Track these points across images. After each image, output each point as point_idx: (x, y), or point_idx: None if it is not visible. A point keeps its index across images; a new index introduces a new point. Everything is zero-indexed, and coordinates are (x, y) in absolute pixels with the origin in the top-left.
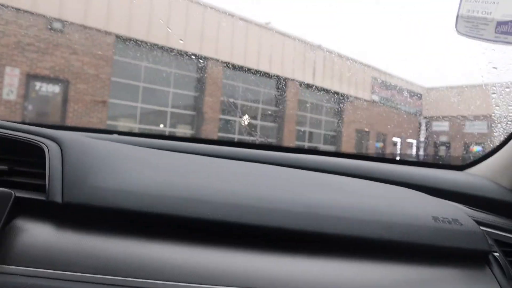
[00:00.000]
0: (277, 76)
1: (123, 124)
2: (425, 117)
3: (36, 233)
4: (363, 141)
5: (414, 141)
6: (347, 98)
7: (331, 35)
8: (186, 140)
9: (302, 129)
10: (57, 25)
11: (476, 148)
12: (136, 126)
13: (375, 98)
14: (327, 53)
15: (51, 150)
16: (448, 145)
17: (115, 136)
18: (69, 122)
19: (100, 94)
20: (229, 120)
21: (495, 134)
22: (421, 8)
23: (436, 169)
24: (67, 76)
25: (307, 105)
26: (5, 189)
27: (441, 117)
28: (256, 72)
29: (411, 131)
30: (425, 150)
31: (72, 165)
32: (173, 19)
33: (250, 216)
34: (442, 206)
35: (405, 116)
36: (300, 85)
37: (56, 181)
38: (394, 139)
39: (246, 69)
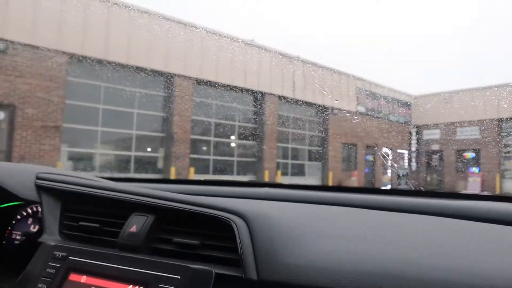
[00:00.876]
0: (254, 90)
1: (82, 151)
2: (415, 126)
3: None
4: (350, 155)
5: (405, 152)
6: (332, 110)
7: (311, 47)
8: (337, 189)
9: (284, 145)
10: None
11: (469, 155)
12: (97, 152)
13: (361, 109)
14: (307, 65)
15: (239, 227)
16: (440, 153)
17: (268, 190)
18: (17, 151)
19: (53, 119)
20: (202, 140)
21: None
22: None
23: None
24: (13, 100)
25: (289, 120)
26: (206, 268)
27: (431, 125)
28: (231, 87)
29: (401, 141)
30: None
31: (261, 241)
32: (135, 35)
33: None
34: None
35: (394, 126)
36: (280, 99)
37: (249, 258)
38: (385, 150)
39: (219, 85)
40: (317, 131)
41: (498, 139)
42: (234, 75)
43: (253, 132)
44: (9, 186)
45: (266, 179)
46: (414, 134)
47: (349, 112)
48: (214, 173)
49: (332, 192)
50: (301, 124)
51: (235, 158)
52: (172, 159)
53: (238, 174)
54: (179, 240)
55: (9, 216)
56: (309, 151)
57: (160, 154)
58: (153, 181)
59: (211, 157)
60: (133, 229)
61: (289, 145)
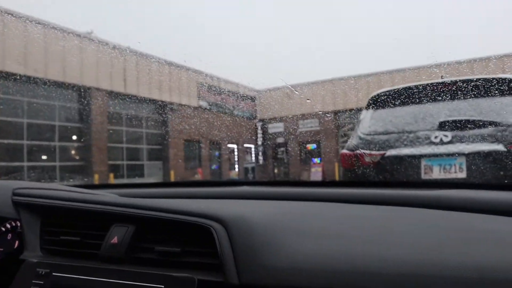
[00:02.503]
0: (76, 85)
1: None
2: (260, 120)
3: None
4: (194, 152)
5: (252, 146)
6: (171, 106)
7: (147, 39)
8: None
9: (117, 145)
10: None
11: (311, 146)
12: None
13: (203, 104)
14: (141, 57)
15: (218, 232)
16: (285, 145)
17: (245, 188)
18: None
19: None
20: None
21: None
22: (249, 10)
23: None
24: None
25: (121, 117)
26: (188, 275)
27: (276, 118)
28: (46, 82)
29: (247, 135)
30: (264, 153)
31: (240, 245)
32: None
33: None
34: None
35: (239, 120)
36: (109, 95)
37: (230, 263)
38: (230, 146)
39: (32, 80)
40: (156, 129)
41: (335, 130)
42: (49, 67)
43: (79, 132)
44: None
45: (96, 183)
46: (259, 128)
47: (190, 107)
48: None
49: (311, 187)
50: (136, 122)
51: (57, 163)
52: None
53: (61, 180)
54: (161, 248)
55: None
56: (148, 150)
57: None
58: (133, 186)
59: (25, 164)
60: (114, 240)
61: (124, 145)
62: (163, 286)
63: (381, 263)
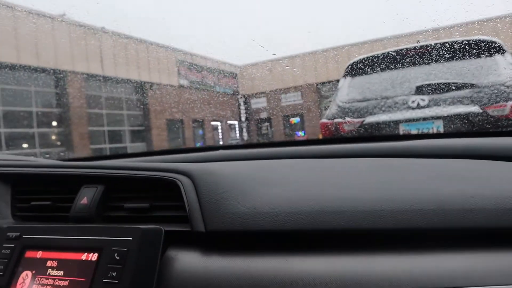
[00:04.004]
0: (50, 69)
1: None
2: (242, 96)
3: (186, 261)
4: (177, 131)
5: (235, 122)
6: (150, 86)
7: (121, 18)
8: (276, 145)
9: (98, 129)
10: None
11: (295, 120)
12: None
13: (184, 82)
14: (116, 37)
15: (185, 185)
16: (269, 120)
17: (221, 152)
18: None
19: None
20: None
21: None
22: None
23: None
24: None
25: (100, 100)
26: (156, 226)
27: (258, 93)
28: (16, 67)
29: (230, 112)
30: (249, 128)
31: (206, 195)
32: None
33: (385, 220)
34: None
35: (221, 97)
36: (87, 77)
37: (196, 212)
38: (214, 123)
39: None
40: (138, 110)
41: (318, 103)
42: (22, 51)
43: (58, 118)
44: None
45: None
46: (242, 104)
47: (171, 86)
48: None
49: (284, 146)
50: (117, 104)
51: (37, 150)
52: None
53: None
54: (129, 205)
55: None
56: (130, 132)
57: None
58: (105, 158)
59: (5, 152)
60: (84, 201)
61: (105, 128)
62: (130, 238)
63: (341, 201)
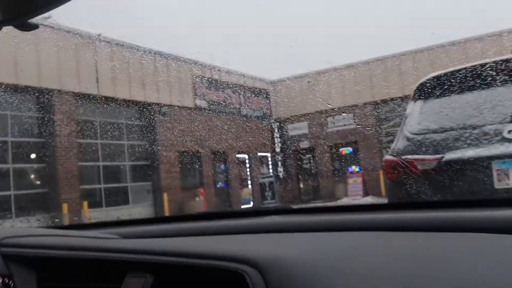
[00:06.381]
0: (33, 88)
1: None
2: (276, 120)
3: None
4: (192, 167)
5: (267, 154)
6: (160, 109)
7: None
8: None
9: (91, 164)
10: None
11: (346, 150)
12: None
13: (202, 103)
14: (116, 47)
15: (253, 278)
16: (312, 151)
17: (274, 218)
18: None
19: None
20: None
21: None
22: None
23: None
24: None
25: (95, 126)
26: None
27: (296, 116)
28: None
29: (261, 142)
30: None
31: None
32: None
33: None
34: None
35: (249, 123)
36: (78, 98)
37: None
38: (239, 156)
39: None
40: (142, 140)
41: (377, 128)
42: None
43: (40, 149)
44: None
45: (66, 213)
46: (276, 130)
47: (185, 109)
48: None
49: (353, 213)
50: (115, 132)
51: (11, 192)
52: None
53: (17, 216)
54: None
55: None
56: (133, 168)
57: None
58: (133, 223)
59: None
60: None
61: (100, 163)
62: None
63: None
